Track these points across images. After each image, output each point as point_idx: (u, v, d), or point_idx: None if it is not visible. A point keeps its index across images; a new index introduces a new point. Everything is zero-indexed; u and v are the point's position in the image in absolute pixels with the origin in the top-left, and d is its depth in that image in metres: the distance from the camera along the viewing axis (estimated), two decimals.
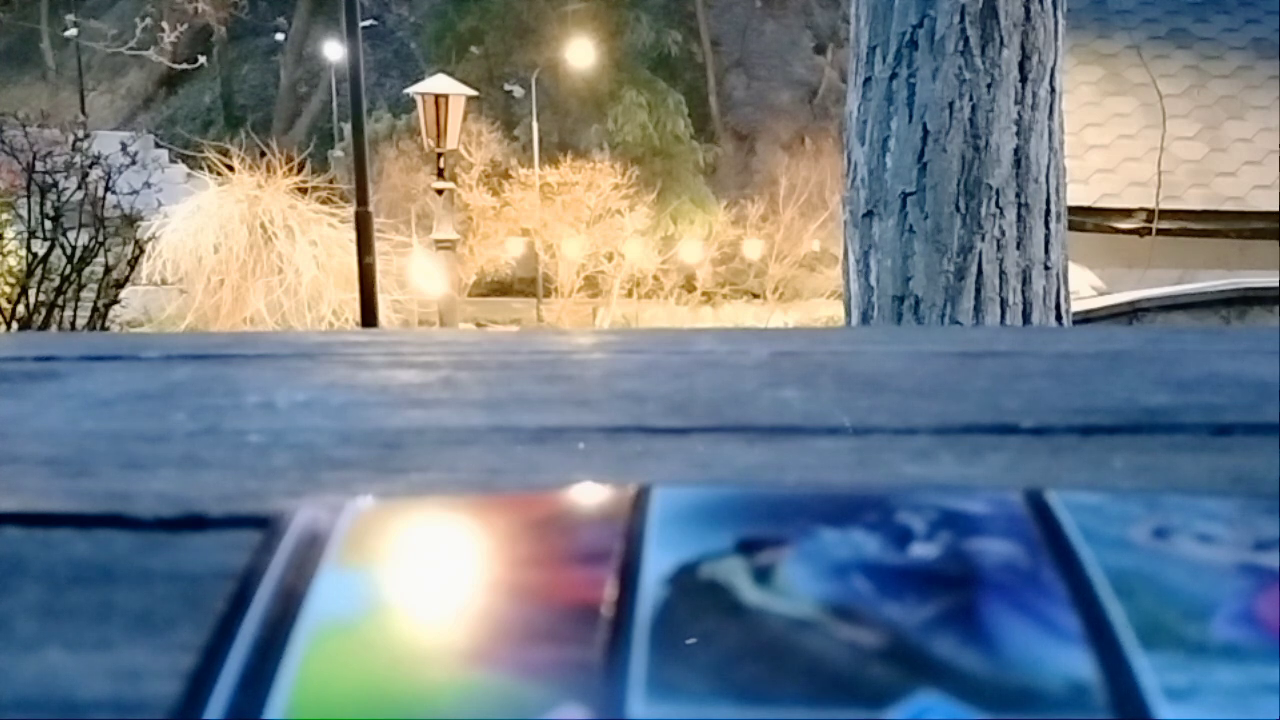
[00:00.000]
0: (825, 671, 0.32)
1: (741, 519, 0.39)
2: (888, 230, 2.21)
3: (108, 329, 7.46)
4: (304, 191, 12.82)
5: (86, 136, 8.42)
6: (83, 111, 18.48)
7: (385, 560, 0.38)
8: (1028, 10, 2.17)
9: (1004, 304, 2.18)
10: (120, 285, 7.80)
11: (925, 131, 2.17)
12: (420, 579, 0.37)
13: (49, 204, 7.50)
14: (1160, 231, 6.18)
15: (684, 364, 0.59)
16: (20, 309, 7.34)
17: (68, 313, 7.42)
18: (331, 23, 22.70)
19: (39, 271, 7.35)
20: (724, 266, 21.66)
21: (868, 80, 2.25)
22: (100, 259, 7.55)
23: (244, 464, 0.45)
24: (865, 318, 2.26)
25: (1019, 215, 2.18)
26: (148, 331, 7.58)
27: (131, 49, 20.94)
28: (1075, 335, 1.00)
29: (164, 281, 12.20)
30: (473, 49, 25.52)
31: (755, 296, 20.96)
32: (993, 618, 0.34)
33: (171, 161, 15.14)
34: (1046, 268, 2.22)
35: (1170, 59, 6.84)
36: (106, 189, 7.84)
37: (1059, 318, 2.27)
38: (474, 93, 10.54)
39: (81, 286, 7.47)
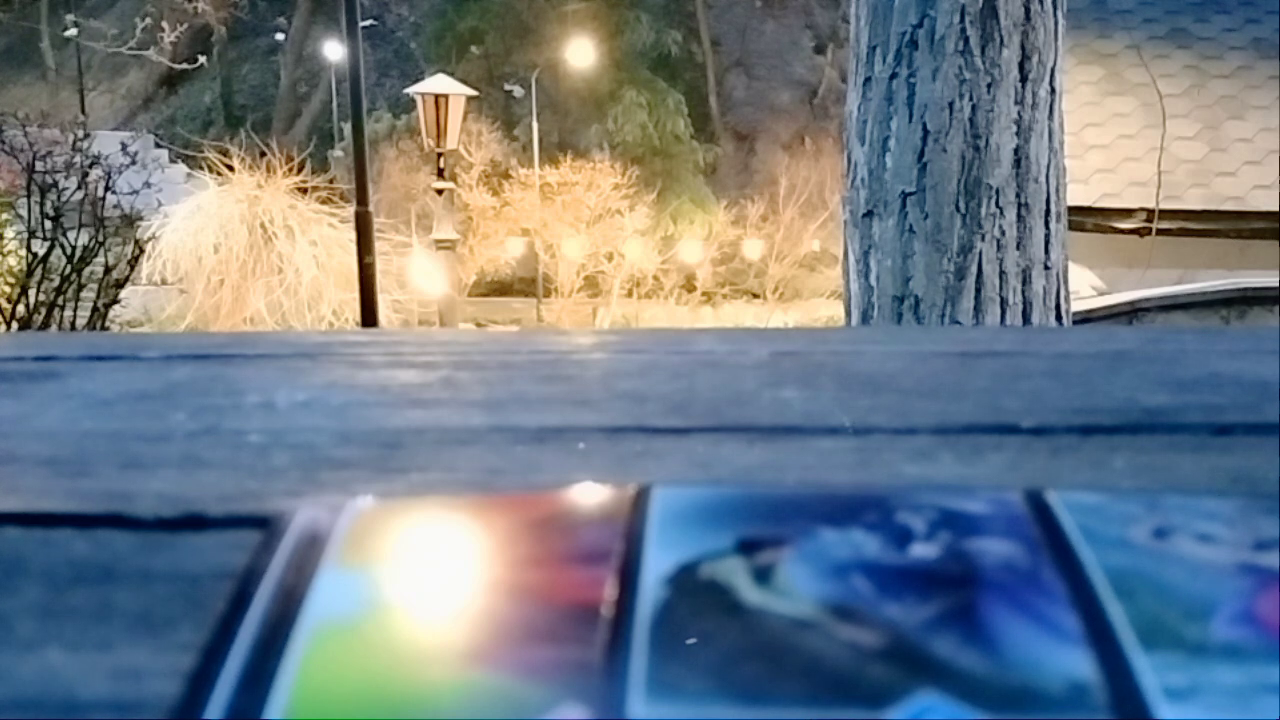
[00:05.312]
0: (825, 671, 0.32)
1: (741, 519, 0.39)
2: (888, 230, 2.21)
3: (108, 329, 7.46)
4: (304, 191, 12.82)
5: (86, 136, 8.42)
6: (83, 111, 18.48)
7: (385, 560, 0.38)
8: (1028, 10, 2.17)
9: (1004, 304, 2.18)
10: (120, 285, 7.80)
11: (925, 131, 2.17)
12: (420, 579, 0.37)
13: (49, 204, 7.51)
14: (1160, 231, 6.18)
15: (684, 364, 0.59)
16: (20, 309, 7.34)
17: (68, 313, 7.42)
18: (331, 23, 22.70)
19: (39, 271, 7.36)
20: (724, 266, 21.66)
21: (868, 80, 2.25)
22: (100, 259, 7.55)
23: (244, 464, 0.45)
24: (865, 318, 2.26)
25: (1019, 215, 2.18)
26: (148, 331, 7.58)
27: (131, 49, 20.94)
28: (1075, 335, 1.00)
29: (164, 281, 12.20)
30: (473, 49, 25.52)
31: (755, 296, 20.96)
32: (993, 618, 0.34)
33: (171, 161, 15.13)
34: (1046, 268, 2.22)
35: (1170, 59, 6.84)
36: (106, 189, 7.84)
37: (1059, 318, 2.27)
38: (474, 93, 10.53)
39: (81, 286, 7.47)
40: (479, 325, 17.08)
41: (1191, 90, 6.71)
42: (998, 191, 2.16)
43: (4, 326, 7.27)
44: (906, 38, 2.19)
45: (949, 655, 0.32)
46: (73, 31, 23.31)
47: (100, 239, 7.61)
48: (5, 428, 0.51)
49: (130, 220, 8.05)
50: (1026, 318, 2.20)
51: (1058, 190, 2.24)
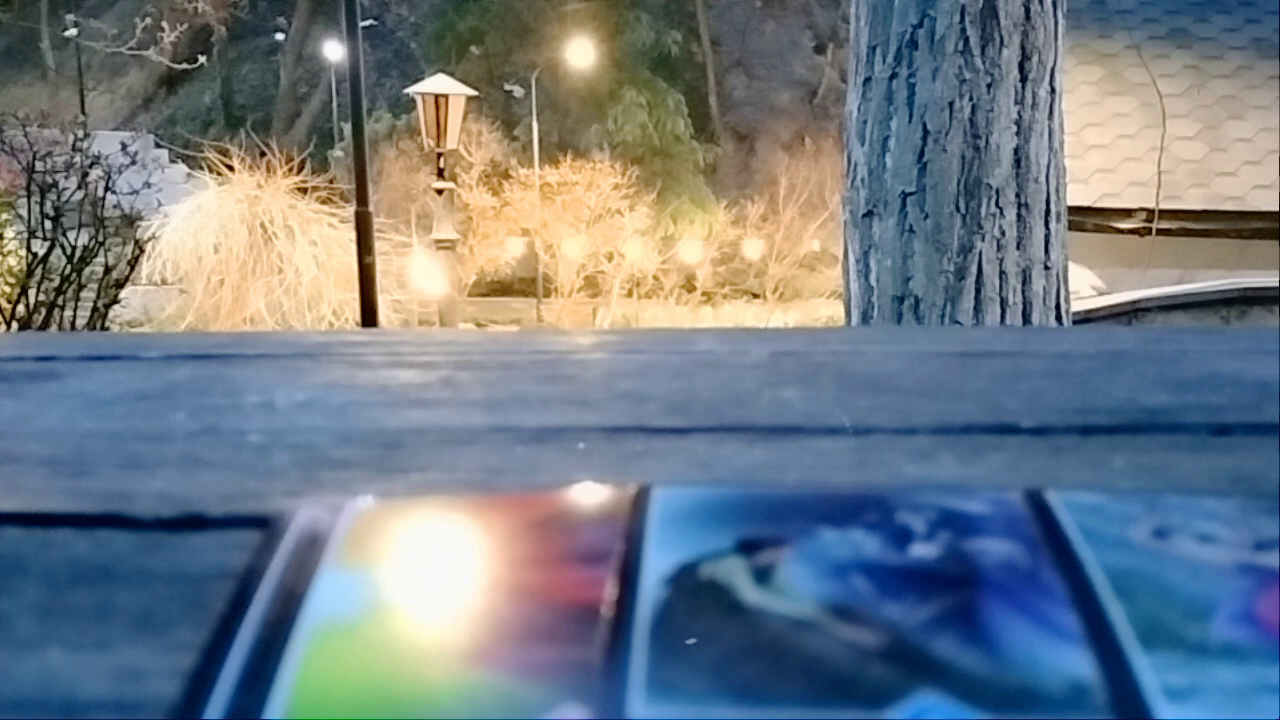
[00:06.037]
0: (825, 671, 0.32)
1: (741, 519, 0.39)
2: (888, 230, 2.21)
3: (108, 329, 7.46)
4: (304, 191, 12.82)
5: (86, 136, 8.43)
6: (83, 111, 18.49)
7: (385, 560, 0.38)
8: (1028, 10, 2.17)
9: (1004, 304, 2.18)
10: (120, 285, 7.81)
11: (925, 131, 2.17)
12: (420, 579, 0.37)
13: (49, 204, 7.51)
14: (1160, 231, 6.18)
15: (684, 364, 0.59)
16: (20, 309, 7.35)
17: (68, 313, 7.43)
18: (331, 23, 22.70)
19: (39, 271, 7.36)
20: (724, 266, 21.67)
21: (868, 80, 2.25)
22: (100, 259, 7.56)
23: (244, 464, 0.45)
24: (865, 318, 2.26)
25: (1019, 215, 2.18)
26: (148, 331, 7.58)
27: (131, 49, 20.96)
28: (1075, 335, 1.00)
29: (164, 281, 12.21)
30: (473, 49, 25.52)
31: (755, 296, 20.97)
32: (993, 618, 0.34)
33: (171, 161, 15.14)
34: (1046, 268, 2.22)
35: (1170, 59, 6.84)
36: (106, 189, 7.85)
37: (1059, 318, 2.26)
38: (474, 93, 10.54)
39: (81, 286, 7.47)
40: (479, 325, 17.08)
41: (1191, 90, 6.71)
42: (998, 191, 2.16)
43: (4, 326, 7.27)
44: (906, 38, 2.19)
45: (949, 655, 0.32)
46: (73, 31, 23.31)
47: (100, 239, 7.61)
48: (5, 428, 0.51)
49: (130, 220, 8.05)
50: (1026, 318, 2.20)
51: (1058, 190, 2.24)
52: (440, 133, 9.33)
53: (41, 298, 7.35)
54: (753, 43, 27.52)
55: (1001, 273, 2.17)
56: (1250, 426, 0.49)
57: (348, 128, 11.38)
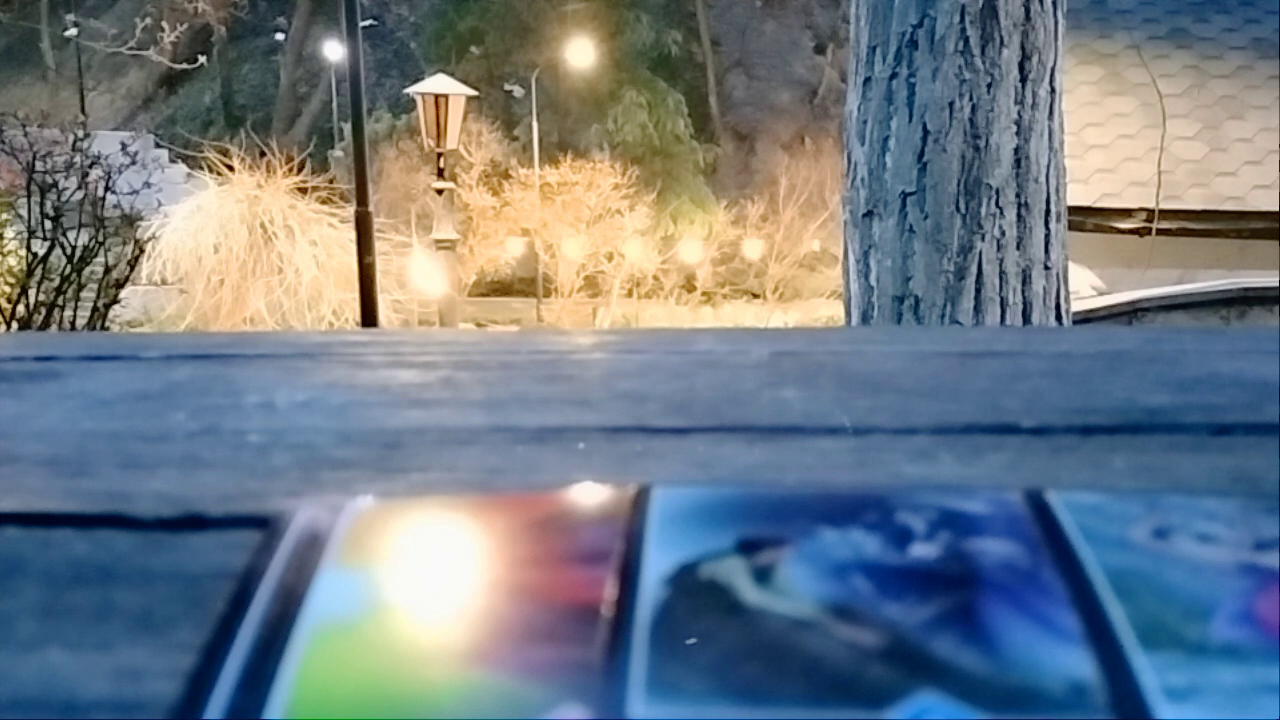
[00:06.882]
0: (825, 671, 0.32)
1: (741, 519, 0.39)
2: (888, 230, 2.21)
3: (108, 329, 7.46)
4: (304, 191, 12.82)
5: (86, 136, 8.43)
6: (83, 111, 18.47)
7: (385, 560, 0.38)
8: (1028, 10, 2.17)
9: (1004, 304, 2.18)
10: (120, 285, 7.81)
11: (925, 131, 2.17)
12: (420, 579, 0.37)
13: (49, 204, 7.51)
14: (1160, 231, 6.18)
15: (684, 364, 0.59)
16: (20, 309, 7.35)
17: (68, 313, 7.43)
18: (331, 23, 22.70)
19: (39, 271, 7.36)
20: (724, 266, 21.67)
21: (868, 80, 2.25)
22: (100, 259, 7.56)
23: (244, 464, 0.45)
24: (865, 318, 2.26)
25: (1019, 215, 2.18)
26: (148, 331, 7.57)
27: (131, 49, 20.96)
28: (1075, 335, 1.00)
29: (164, 281, 12.21)
30: (473, 49, 25.52)
31: (755, 296, 20.98)
32: (993, 618, 0.34)
33: (171, 161, 15.13)
34: (1046, 268, 2.22)
35: (1170, 59, 6.84)
36: (106, 189, 7.85)
37: (1059, 318, 2.26)
38: (474, 93, 10.54)
39: (81, 286, 7.47)
40: (479, 325, 17.08)
41: (1191, 90, 6.71)
42: (998, 191, 2.16)
43: (4, 326, 7.27)
44: (906, 38, 2.19)
45: (949, 655, 0.32)
46: (73, 31, 23.30)
47: (100, 239, 7.61)
48: (5, 428, 0.51)
49: (130, 220, 8.06)
50: (1026, 318, 2.20)
51: (1058, 190, 2.24)
52: (440, 133, 9.33)
53: (41, 298, 7.36)
54: (753, 43, 27.51)
55: (1001, 273, 2.17)
56: (1250, 426, 0.49)
57: (348, 128, 11.38)
